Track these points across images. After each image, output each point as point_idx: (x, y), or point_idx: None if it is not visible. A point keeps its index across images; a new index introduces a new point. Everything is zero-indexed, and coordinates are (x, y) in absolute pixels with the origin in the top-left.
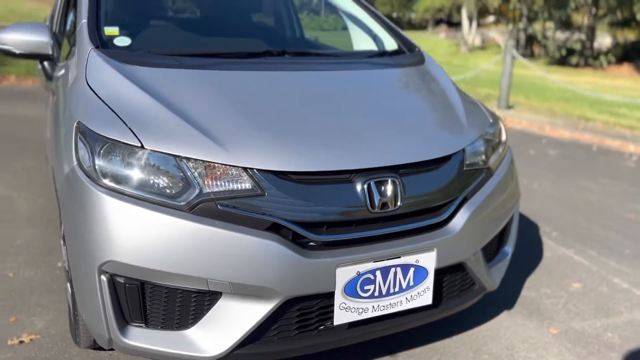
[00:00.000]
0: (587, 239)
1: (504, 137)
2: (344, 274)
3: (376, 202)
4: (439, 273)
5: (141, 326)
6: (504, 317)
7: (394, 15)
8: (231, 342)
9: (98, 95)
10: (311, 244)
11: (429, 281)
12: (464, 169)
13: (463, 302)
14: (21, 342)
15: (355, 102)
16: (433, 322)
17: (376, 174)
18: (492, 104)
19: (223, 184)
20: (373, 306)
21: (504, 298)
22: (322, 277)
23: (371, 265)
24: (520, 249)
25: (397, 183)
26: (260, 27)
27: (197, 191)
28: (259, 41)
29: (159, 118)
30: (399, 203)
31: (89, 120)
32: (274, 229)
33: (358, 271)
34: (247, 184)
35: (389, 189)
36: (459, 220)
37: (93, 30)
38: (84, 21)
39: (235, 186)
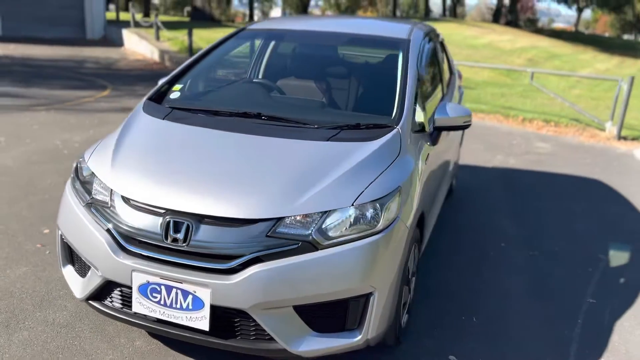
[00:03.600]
0: None
1: (378, 225)
2: (137, 278)
3: (169, 237)
4: (231, 312)
5: (72, 266)
6: None
7: None
8: (84, 293)
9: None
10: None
11: (206, 312)
12: (267, 234)
13: (259, 350)
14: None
15: (239, 163)
16: None
17: (178, 216)
18: None
19: (100, 194)
20: (160, 311)
21: None
22: (123, 275)
23: (158, 280)
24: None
25: (191, 227)
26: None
27: (92, 195)
28: (277, 104)
29: (107, 149)
30: (184, 243)
31: (94, 145)
32: (110, 231)
33: (147, 280)
34: (107, 199)
35: (182, 229)
36: (242, 274)
37: (161, 86)
38: (164, 79)
39: (102, 198)
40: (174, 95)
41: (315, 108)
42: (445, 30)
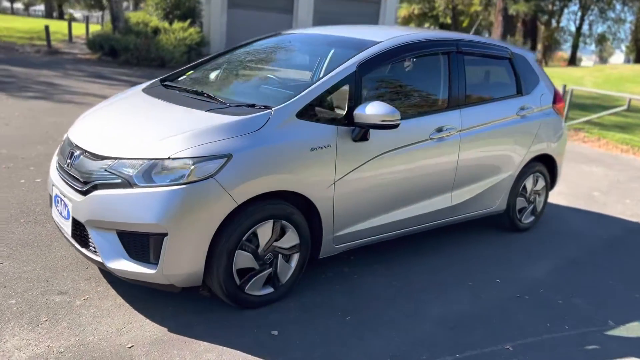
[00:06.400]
0: None
1: (184, 179)
2: (54, 190)
3: (67, 162)
4: (81, 225)
5: None
6: None
7: None
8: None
9: None
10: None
11: (70, 221)
12: (106, 169)
13: (91, 259)
14: None
15: (135, 120)
16: None
17: (74, 148)
18: None
19: (66, 141)
20: (59, 218)
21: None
22: (50, 188)
23: (58, 193)
24: None
25: (77, 156)
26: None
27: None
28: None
29: (88, 112)
30: (69, 167)
31: None
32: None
33: (56, 193)
34: (64, 139)
35: (74, 158)
36: (87, 196)
37: (179, 71)
38: (184, 67)
39: (64, 139)
40: (181, 77)
41: (250, 90)
42: None
